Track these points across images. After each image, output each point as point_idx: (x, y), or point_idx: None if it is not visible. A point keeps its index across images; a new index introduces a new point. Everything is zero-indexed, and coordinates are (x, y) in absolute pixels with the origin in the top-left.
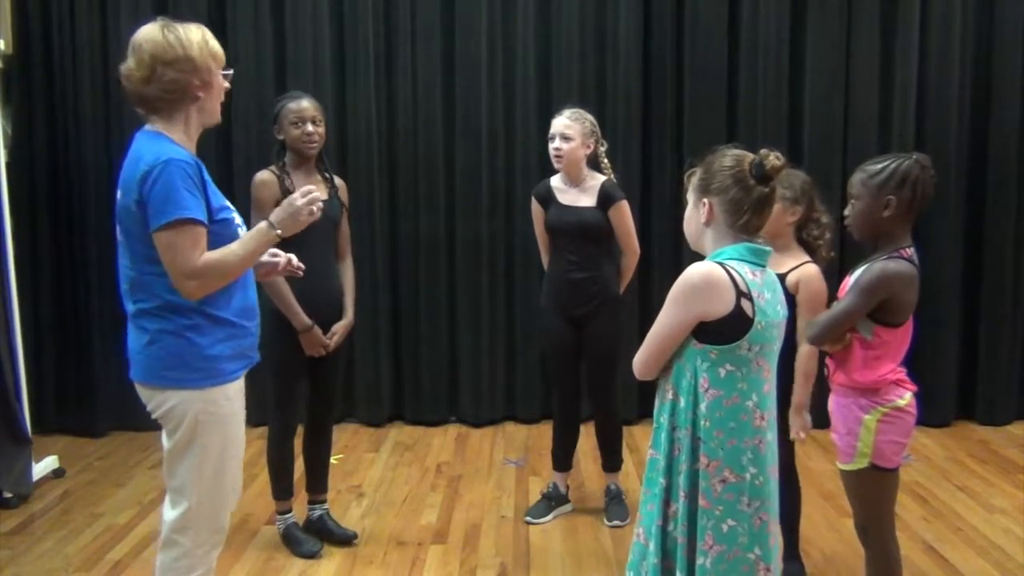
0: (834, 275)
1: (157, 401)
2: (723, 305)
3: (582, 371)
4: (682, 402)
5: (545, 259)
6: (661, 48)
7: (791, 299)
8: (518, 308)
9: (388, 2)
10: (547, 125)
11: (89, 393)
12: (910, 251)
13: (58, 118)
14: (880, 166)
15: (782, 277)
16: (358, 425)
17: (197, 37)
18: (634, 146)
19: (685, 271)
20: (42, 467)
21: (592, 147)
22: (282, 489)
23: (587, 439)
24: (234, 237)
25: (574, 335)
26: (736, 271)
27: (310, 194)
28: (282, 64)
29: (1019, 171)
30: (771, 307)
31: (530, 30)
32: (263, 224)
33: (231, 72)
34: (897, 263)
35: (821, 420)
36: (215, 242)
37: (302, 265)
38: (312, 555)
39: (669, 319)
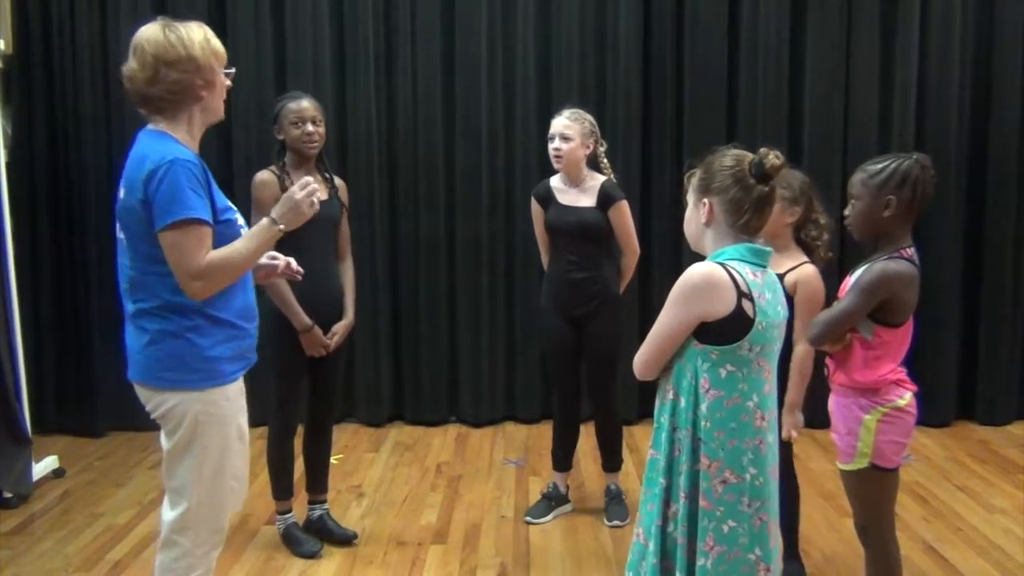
0: (834, 275)
1: (156, 401)
2: (724, 305)
3: (582, 371)
4: (683, 402)
5: (545, 259)
6: (661, 48)
7: (789, 299)
8: (518, 308)
9: (388, 2)
10: (547, 125)
11: (89, 393)
12: (910, 251)
13: (58, 118)
14: (880, 166)
15: (780, 277)
16: (358, 425)
17: (199, 36)
18: (634, 146)
19: (686, 271)
20: (42, 467)
21: (592, 147)
22: (282, 489)
23: (587, 439)
24: (237, 238)
25: (574, 335)
26: (737, 271)
27: (308, 186)
28: (282, 64)
29: (1019, 171)
30: (772, 308)
31: (530, 30)
32: (265, 220)
33: (233, 71)
34: (897, 263)
35: (821, 420)
36: (219, 243)
37: (301, 269)
38: (312, 555)
39: (670, 319)
